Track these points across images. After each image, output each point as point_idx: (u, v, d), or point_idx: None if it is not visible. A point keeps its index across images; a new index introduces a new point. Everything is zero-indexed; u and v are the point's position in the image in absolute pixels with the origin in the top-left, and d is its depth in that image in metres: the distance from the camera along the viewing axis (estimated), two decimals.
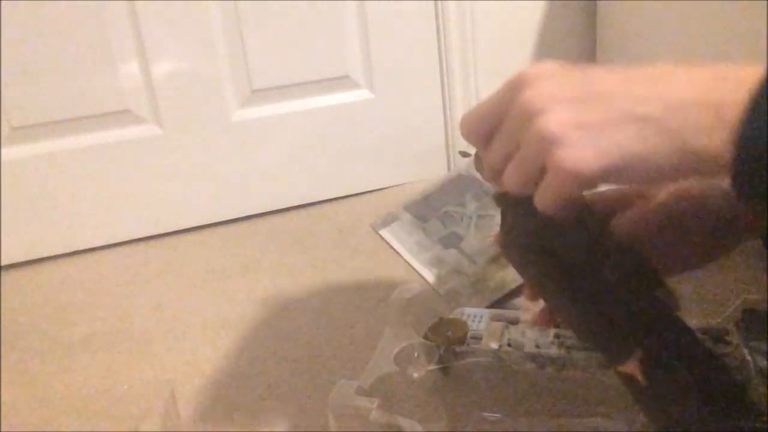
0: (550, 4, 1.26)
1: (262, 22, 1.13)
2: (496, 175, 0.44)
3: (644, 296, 0.45)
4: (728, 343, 0.62)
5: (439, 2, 1.20)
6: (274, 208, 1.22)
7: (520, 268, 0.50)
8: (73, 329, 0.90)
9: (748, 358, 0.59)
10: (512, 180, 0.42)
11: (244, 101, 1.16)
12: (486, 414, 0.60)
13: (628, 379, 0.44)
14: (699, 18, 1.02)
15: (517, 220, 0.48)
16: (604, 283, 0.44)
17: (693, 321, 0.69)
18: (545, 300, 0.50)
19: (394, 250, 1.02)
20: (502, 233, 0.51)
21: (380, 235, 1.07)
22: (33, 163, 1.09)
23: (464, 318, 0.72)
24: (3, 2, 1.00)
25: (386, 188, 1.26)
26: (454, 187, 1.09)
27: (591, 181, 0.38)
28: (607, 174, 0.38)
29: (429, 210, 1.06)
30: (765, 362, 0.57)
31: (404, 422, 0.61)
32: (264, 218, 1.20)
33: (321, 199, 1.24)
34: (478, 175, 1.07)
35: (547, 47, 1.28)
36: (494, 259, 0.91)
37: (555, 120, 0.38)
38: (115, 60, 1.08)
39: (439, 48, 1.23)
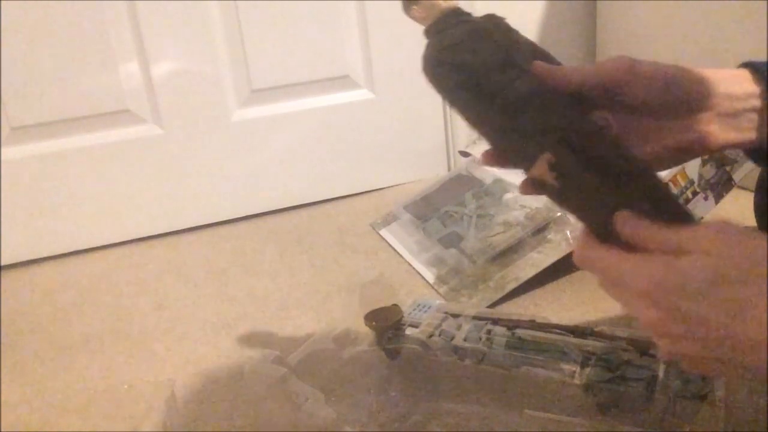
0: (550, 4, 1.26)
1: (262, 22, 1.13)
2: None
3: (554, 107, 0.45)
4: None
5: None
6: (274, 208, 1.22)
7: (443, 87, 0.50)
8: (73, 329, 0.90)
9: None
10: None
11: (244, 101, 1.16)
12: (392, 393, 0.66)
13: (541, 184, 0.44)
14: (699, 18, 1.02)
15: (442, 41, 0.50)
16: (517, 97, 0.46)
17: None
18: (464, 116, 0.50)
19: (394, 250, 1.02)
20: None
21: (380, 235, 1.07)
22: (33, 163, 1.09)
23: (415, 308, 0.75)
24: (3, 2, 1.00)
25: (386, 188, 1.26)
26: (453, 186, 1.09)
27: None
28: None
29: (429, 210, 1.06)
30: None
31: (309, 391, 0.66)
32: (264, 218, 1.20)
33: (321, 199, 1.24)
34: (478, 175, 1.07)
35: (547, 47, 1.27)
36: (494, 259, 0.91)
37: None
38: (115, 60, 1.08)
39: None
